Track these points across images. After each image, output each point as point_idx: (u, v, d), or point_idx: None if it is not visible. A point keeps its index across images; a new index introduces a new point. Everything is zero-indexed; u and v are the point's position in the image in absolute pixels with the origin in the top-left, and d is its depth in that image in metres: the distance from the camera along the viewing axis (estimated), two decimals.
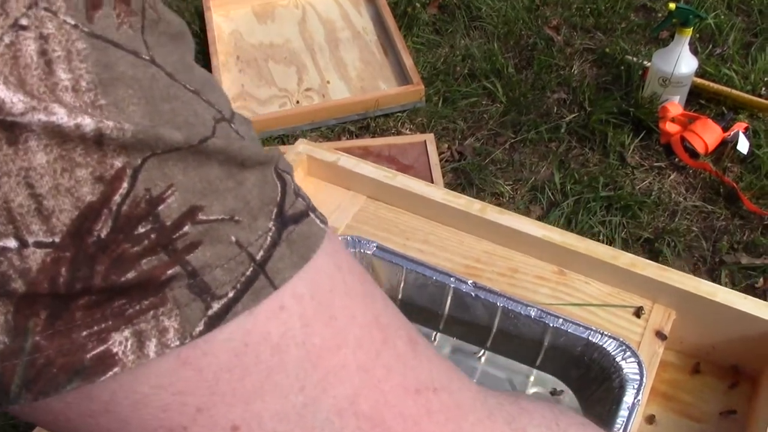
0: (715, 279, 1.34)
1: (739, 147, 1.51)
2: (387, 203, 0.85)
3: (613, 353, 0.68)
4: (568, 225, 1.43)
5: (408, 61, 1.75)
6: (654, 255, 1.38)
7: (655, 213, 1.45)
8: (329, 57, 1.83)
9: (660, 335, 0.70)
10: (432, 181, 1.50)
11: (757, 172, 1.51)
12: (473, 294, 0.75)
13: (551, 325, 0.71)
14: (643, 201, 1.46)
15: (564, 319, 0.71)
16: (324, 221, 0.30)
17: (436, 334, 0.78)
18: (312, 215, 0.29)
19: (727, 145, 1.54)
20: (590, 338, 0.69)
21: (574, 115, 1.65)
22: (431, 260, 0.78)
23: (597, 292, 0.75)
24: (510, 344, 0.75)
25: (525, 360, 0.75)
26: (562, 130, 1.62)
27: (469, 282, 0.75)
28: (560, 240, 0.76)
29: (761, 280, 1.33)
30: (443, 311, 0.78)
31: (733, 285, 1.33)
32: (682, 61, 1.55)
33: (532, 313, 0.72)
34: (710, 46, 1.82)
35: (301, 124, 1.65)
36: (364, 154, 1.58)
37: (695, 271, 1.36)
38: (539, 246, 0.77)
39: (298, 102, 1.71)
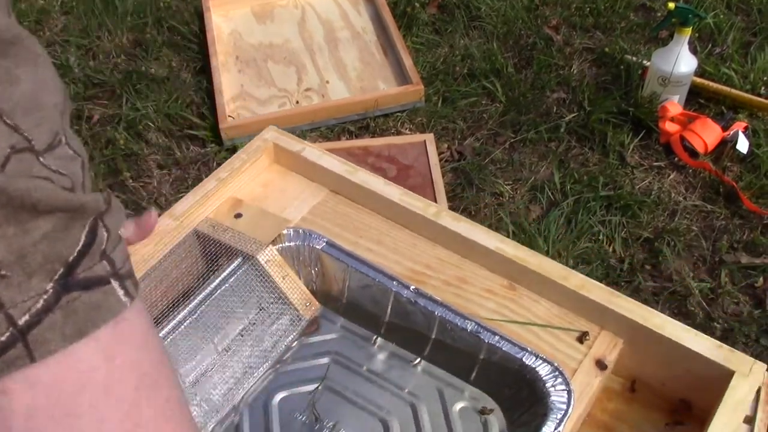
0: (715, 278, 1.34)
1: (738, 146, 1.51)
2: (348, 198, 0.84)
3: (544, 377, 0.65)
4: (568, 225, 1.43)
5: (407, 61, 1.75)
6: (654, 254, 1.38)
7: (655, 212, 1.45)
8: (329, 57, 1.83)
9: (600, 364, 0.66)
10: (432, 181, 1.50)
11: (757, 172, 1.51)
12: (413, 300, 0.72)
13: (486, 341, 0.68)
14: (643, 200, 1.46)
15: (500, 337, 0.68)
16: (131, 293, 0.25)
17: (376, 338, 0.76)
18: (114, 284, 0.24)
19: (726, 145, 1.54)
20: (524, 359, 0.67)
21: (573, 115, 1.65)
22: (380, 261, 0.76)
23: (545, 312, 0.72)
24: (446, 356, 0.73)
25: (460, 373, 0.72)
26: (562, 130, 1.62)
27: (411, 288, 0.73)
28: (512, 253, 0.73)
29: (761, 279, 1.33)
30: (384, 315, 0.76)
31: (733, 284, 1.33)
32: (682, 61, 1.55)
33: (469, 327, 0.69)
34: (709, 45, 1.82)
35: (300, 124, 1.65)
36: (364, 154, 1.58)
37: (695, 271, 1.36)
38: (491, 258, 0.74)
39: (297, 102, 1.71)
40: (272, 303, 0.79)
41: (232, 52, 1.86)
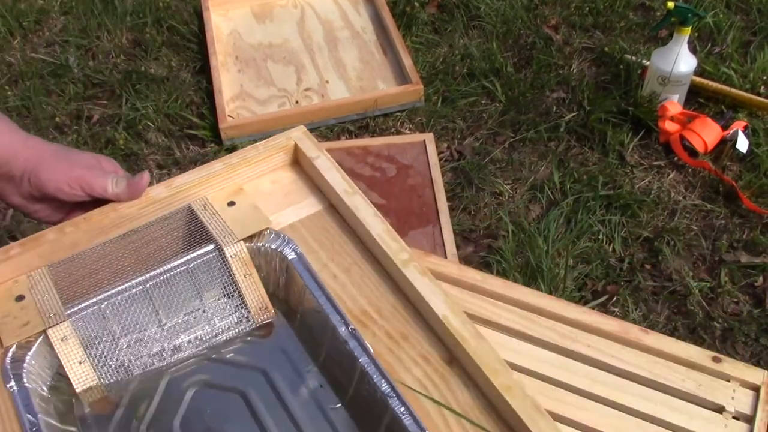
0: (714, 278, 1.34)
1: (738, 146, 1.52)
2: (342, 217, 0.83)
3: None
4: (568, 224, 1.43)
5: (407, 60, 1.75)
6: (654, 254, 1.38)
7: (655, 212, 1.45)
8: (328, 57, 1.83)
9: None
10: (431, 181, 1.50)
11: (757, 171, 1.51)
12: (345, 340, 0.71)
13: (393, 408, 0.66)
14: (643, 200, 1.46)
15: (407, 410, 0.66)
16: None
17: (312, 367, 0.75)
18: None
19: (726, 144, 1.54)
20: None
21: (573, 114, 1.65)
22: (337, 291, 0.75)
23: (468, 401, 0.67)
24: (361, 410, 0.71)
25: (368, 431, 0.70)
26: (561, 129, 1.62)
27: (350, 327, 0.72)
28: (456, 327, 0.69)
29: (761, 278, 1.33)
30: (323, 346, 0.75)
31: (733, 284, 1.33)
32: (681, 60, 1.55)
33: (383, 388, 0.67)
34: (709, 44, 1.82)
35: (300, 124, 1.64)
36: (364, 153, 1.58)
37: (695, 270, 1.36)
38: (438, 325, 0.71)
39: (297, 102, 1.71)
40: (227, 297, 0.80)
41: (232, 52, 1.86)
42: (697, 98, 1.68)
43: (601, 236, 1.41)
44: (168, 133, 1.66)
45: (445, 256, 1.34)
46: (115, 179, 0.82)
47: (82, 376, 0.74)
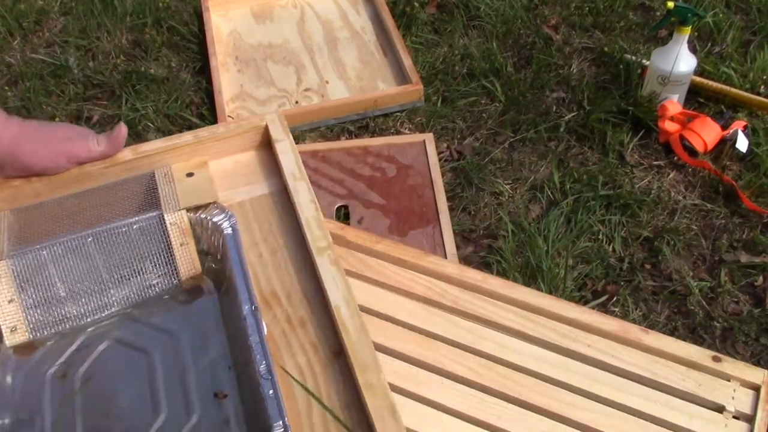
0: (714, 277, 1.34)
1: (738, 145, 1.52)
2: (290, 201, 0.86)
3: None
4: (568, 224, 1.43)
5: (407, 60, 1.75)
6: (654, 253, 1.38)
7: (655, 211, 1.45)
8: (328, 57, 1.83)
9: None
10: (431, 181, 1.51)
11: (756, 171, 1.51)
12: (244, 317, 0.74)
13: (264, 390, 0.70)
14: (643, 199, 1.46)
15: (275, 394, 0.69)
16: None
17: (218, 338, 0.79)
18: None
19: (726, 144, 1.54)
20: (274, 425, 0.67)
21: (573, 114, 1.65)
22: (256, 270, 0.79)
23: (340, 397, 0.68)
24: (247, 386, 0.75)
25: (244, 405, 0.75)
26: (561, 129, 1.62)
27: (253, 306, 0.75)
28: (343, 317, 0.70)
29: (761, 278, 1.33)
30: (231, 321, 0.79)
31: (733, 283, 1.33)
32: (681, 60, 1.56)
33: (261, 368, 0.71)
34: (709, 44, 1.82)
35: (300, 124, 1.65)
36: (364, 153, 1.58)
37: (695, 270, 1.36)
38: (332, 315, 0.74)
39: (297, 102, 1.71)
40: (160, 262, 0.85)
41: (232, 52, 1.86)
42: (697, 98, 1.68)
43: (601, 236, 1.41)
44: (168, 133, 1.66)
45: (445, 256, 1.34)
46: (95, 139, 0.87)
47: (9, 314, 0.78)
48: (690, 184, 1.51)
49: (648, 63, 1.65)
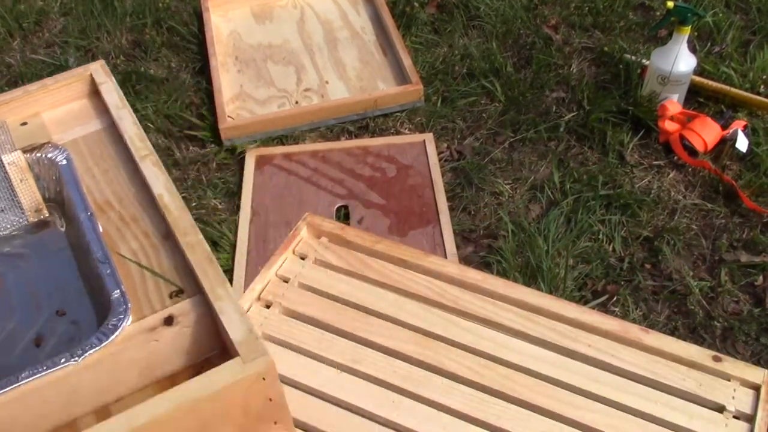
0: (714, 277, 1.34)
1: (738, 145, 1.52)
2: (117, 130, 1.05)
3: (118, 310, 0.83)
4: (568, 224, 1.43)
5: (407, 60, 1.75)
6: (654, 253, 1.38)
7: (655, 211, 1.45)
8: (328, 57, 1.83)
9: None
10: (431, 181, 1.51)
11: (756, 170, 1.51)
12: (82, 223, 0.89)
13: (101, 272, 0.85)
14: (643, 199, 1.46)
15: (112, 272, 0.85)
16: None
17: (64, 245, 0.98)
18: None
19: (726, 143, 1.54)
20: (113, 294, 0.83)
21: (573, 114, 1.65)
22: (90, 188, 0.95)
23: (170, 242, 0.88)
24: (90, 281, 0.91)
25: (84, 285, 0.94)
26: (561, 129, 1.62)
27: (88, 213, 0.90)
28: (166, 201, 0.91)
29: (761, 278, 1.33)
30: (73, 231, 0.96)
31: (733, 283, 1.33)
32: (681, 60, 1.56)
33: (97, 255, 0.86)
34: (709, 44, 1.82)
35: (300, 125, 1.65)
36: (364, 153, 1.58)
37: (695, 269, 1.36)
38: (157, 205, 0.94)
39: (297, 102, 1.71)
40: (4, 199, 0.97)
41: (232, 53, 1.86)
42: (697, 98, 1.68)
43: (601, 236, 1.41)
44: (168, 133, 1.66)
45: (445, 256, 1.34)
46: None
47: None
48: (690, 183, 1.51)
49: (648, 63, 1.65)
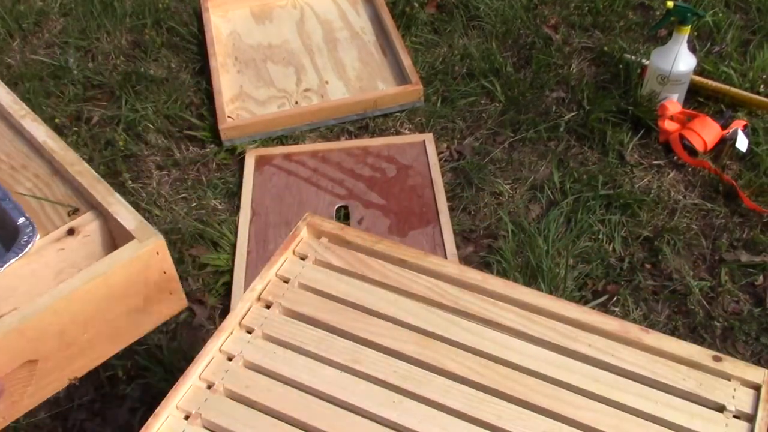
0: (714, 277, 1.34)
1: (737, 145, 1.52)
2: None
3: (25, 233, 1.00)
4: (568, 224, 1.43)
5: (406, 60, 1.75)
6: (654, 253, 1.38)
7: (655, 211, 1.45)
8: (327, 57, 1.83)
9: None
10: (431, 181, 1.51)
11: (756, 170, 1.51)
12: None
13: (4, 207, 1.00)
14: (643, 199, 1.46)
15: (14, 205, 0.99)
16: None
17: None
18: None
19: (726, 143, 1.54)
20: (19, 222, 0.95)
21: (572, 114, 1.65)
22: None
23: (63, 193, 1.15)
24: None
25: None
26: (561, 129, 1.62)
27: None
28: (50, 145, 1.17)
29: (761, 277, 1.33)
30: None
31: (733, 283, 1.33)
32: (681, 59, 1.56)
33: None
34: (708, 43, 1.82)
35: (300, 125, 1.65)
36: (364, 154, 1.58)
37: (695, 269, 1.36)
38: (42, 150, 1.22)
39: (296, 102, 1.71)
40: None
41: (231, 53, 1.86)
42: (697, 97, 1.68)
43: (601, 236, 1.41)
44: (168, 134, 1.66)
45: (445, 256, 1.34)
46: None
47: None
48: (690, 183, 1.51)
49: (648, 62, 1.65)
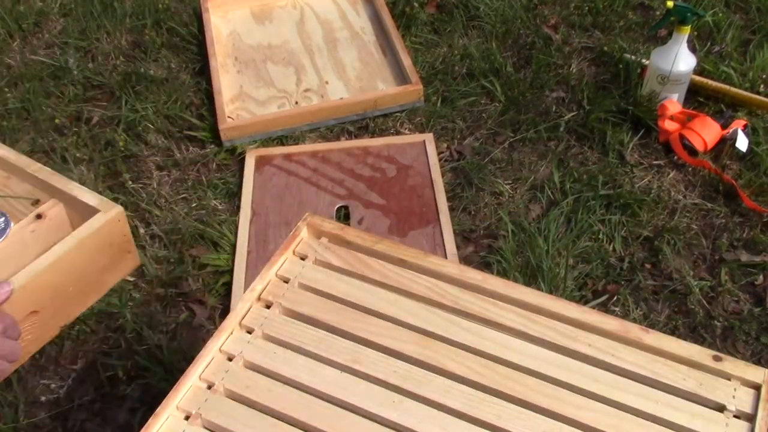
0: (715, 276, 1.34)
1: (738, 144, 1.52)
2: None
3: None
4: (568, 224, 1.43)
5: (406, 60, 1.75)
6: (654, 253, 1.38)
7: (655, 211, 1.45)
8: (327, 57, 1.83)
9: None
10: (431, 181, 1.51)
11: (756, 170, 1.51)
12: None
13: None
14: (643, 199, 1.46)
15: None
16: None
17: None
18: None
19: (726, 143, 1.54)
20: None
21: (572, 114, 1.65)
22: None
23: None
24: None
25: None
26: (561, 129, 1.62)
27: None
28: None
29: (761, 277, 1.33)
30: None
31: (733, 282, 1.33)
32: (681, 59, 1.56)
33: None
34: (708, 43, 1.82)
35: (300, 125, 1.65)
36: (364, 154, 1.58)
37: (695, 269, 1.36)
38: None
39: (296, 103, 1.71)
40: None
41: (231, 53, 1.86)
42: (697, 97, 1.68)
43: (601, 236, 1.41)
44: (168, 134, 1.66)
45: (445, 256, 1.34)
46: None
47: None
48: (690, 183, 1.51)
49: (647, 62, 1.65)
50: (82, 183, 1.54)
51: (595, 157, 1.57)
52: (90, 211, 1.21)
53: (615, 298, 1.31)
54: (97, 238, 1.19)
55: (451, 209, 1.46)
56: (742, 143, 1.52)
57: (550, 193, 1.50)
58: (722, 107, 1.65)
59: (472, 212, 1.47)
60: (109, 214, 1.19)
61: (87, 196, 1.22)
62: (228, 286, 1.35)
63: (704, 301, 1.30)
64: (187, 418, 0.79)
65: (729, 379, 0.88)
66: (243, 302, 0.92)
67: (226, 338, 0.88)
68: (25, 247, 1.22)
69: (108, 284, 1.28)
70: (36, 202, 1.17)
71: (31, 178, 1.23)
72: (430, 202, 1.47)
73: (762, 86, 1.68)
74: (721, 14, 1.88)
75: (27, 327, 1.17)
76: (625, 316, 1.26)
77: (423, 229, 1.42)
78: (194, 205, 1.50)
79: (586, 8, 1.95)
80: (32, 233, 1.22)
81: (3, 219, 1.12)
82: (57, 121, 1.69)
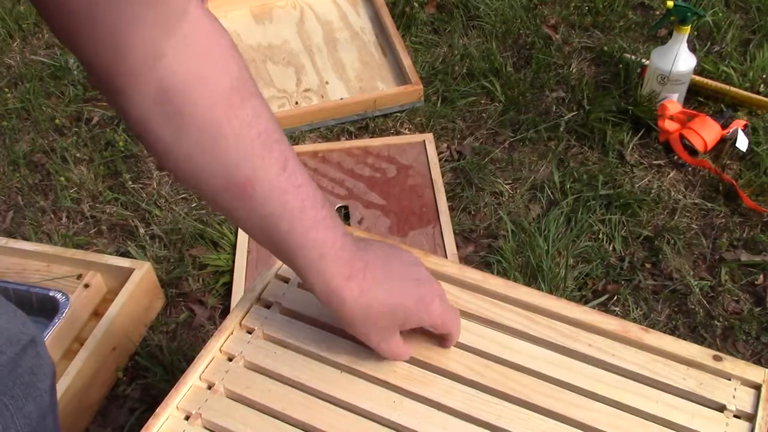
0: (715, 276, 1.34)
1: (738, 144, 1.52)
2: None
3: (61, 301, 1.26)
4: (568, 223, 1.43)
5: (406, 60, 1.75)
6: (654, 253, 1.38)
7: (655, 211, 1.45)
8: (327, 57, 1.83)
9: None
10: (431, 181, 1.51)
11: (756, 169, 1.51)
12: None
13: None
14: (643, 199, 1.46)
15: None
16: None
17: None
18: None
19: (726, 143, 1.54)
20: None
21: (572, 114, 1.65)
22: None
23: None
24: None
25: None
26: (561, 129, 1.62)
27: None
28: None
29: (761, 277, 1.33)
30: None
31: (733, 282, 1.33)
32: (681, 59, 1.56)
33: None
34: (708, 43, 1.82)
35: (300, 125, 1.65)
36: (364, 154, 1.58)
37: (695, 269, 1.36)
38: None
39: (296, 103, 1.71)
40: None
41: None
42: (697, 97, 1.68)
43: (601, 235, 1.41)
44: None
45: (446, 256, 1.34)
46: (438, 300, 0.77)
47: None
48: (690, 183, 1.51)
49: (647, 62, 1.65)
50: (83, 183, 1.54)
51: (595, 157, 1.57)
52: (124, 273, 1.32)
53: (615, 297, 1.31)
54: (141, 284, 1.31)
55: (451, 209, 1.46)
56: (742, 143, 1.52)
57: (550, 192, 1.50)
58: (722, 107, 1.65)
59: (472, 212, 1.47)
60: (143, 270, 1.31)
61: (117, 260, 1.35)
62: (228, 286, 1.35)
63: (704, 301, 1.30)
64: (187, 418, 0.79)
65: (729, 379, 0.88)
66: (243, 302, 0.92)
67: (226, 338, 0.88)
68: (84, 306, 1.34)
69: (150, 317, 1.37)
70: (79, 276, 1.30)
71: (67, 261, 1.35)
72: (430, 202, 1.47)
73: (762, 86, 1.68)
74: (721, 14, 1.88)
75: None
76: (625, 315, 1.26)
77: (423, 229, 1.42)
78: (194, 205, 1.50)
79: (586, 8, 1.95)
80: (88, 298, 1.34)
81: (61, 294, 1.27)
82: (57, 121, 1.69)
